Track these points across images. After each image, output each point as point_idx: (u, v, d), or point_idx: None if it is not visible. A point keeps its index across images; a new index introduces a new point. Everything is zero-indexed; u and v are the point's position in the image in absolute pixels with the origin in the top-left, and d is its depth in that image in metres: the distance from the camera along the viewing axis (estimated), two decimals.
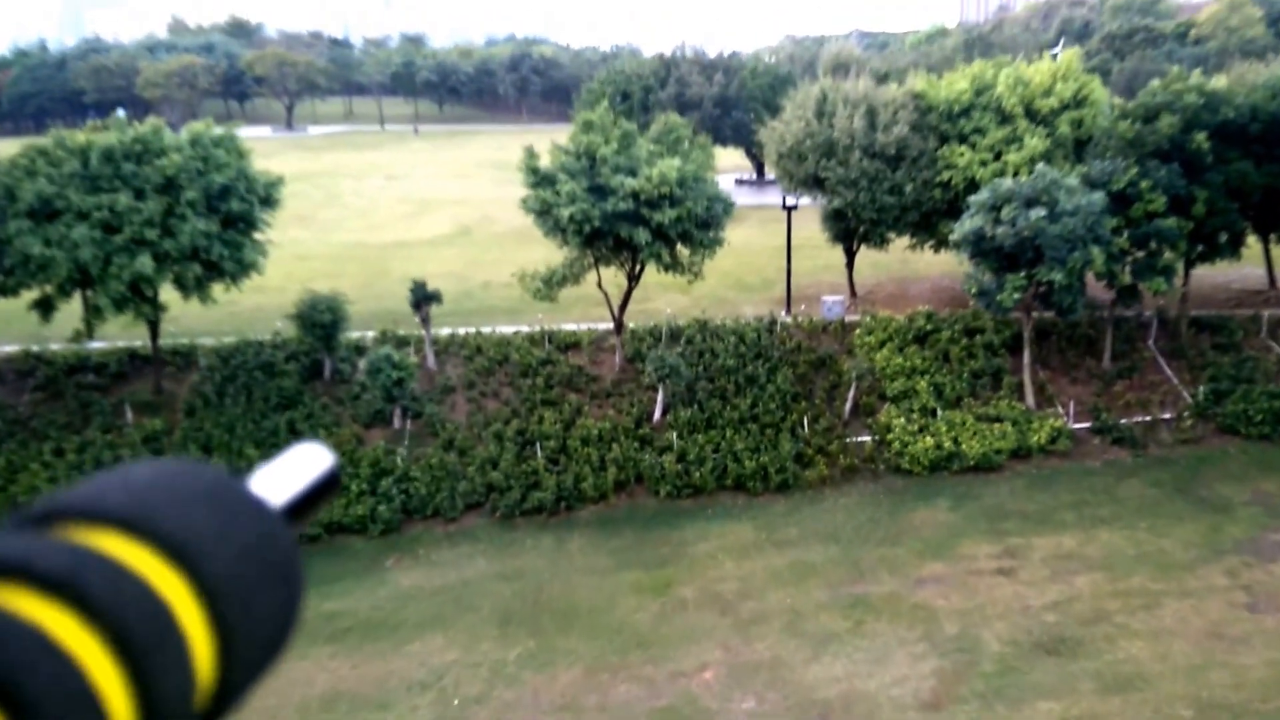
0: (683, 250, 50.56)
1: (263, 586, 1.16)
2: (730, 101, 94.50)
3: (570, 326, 56.46)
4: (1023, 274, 45.51)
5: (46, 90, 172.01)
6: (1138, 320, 53.62)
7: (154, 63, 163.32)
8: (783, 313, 58.66)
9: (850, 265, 61.08)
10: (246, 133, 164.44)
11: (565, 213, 47.06)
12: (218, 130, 52.71)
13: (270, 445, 46.81)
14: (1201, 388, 49.65)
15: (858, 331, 54.56)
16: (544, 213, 48.86)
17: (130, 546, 1.05)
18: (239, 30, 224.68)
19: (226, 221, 49.88)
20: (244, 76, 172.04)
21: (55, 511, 1.06)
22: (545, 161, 50.49)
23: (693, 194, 48.10)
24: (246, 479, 1.26)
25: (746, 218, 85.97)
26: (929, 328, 54.06)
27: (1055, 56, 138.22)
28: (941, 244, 57.12)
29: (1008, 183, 46.86)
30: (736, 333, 55.13)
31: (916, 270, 65.22)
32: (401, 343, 56.00)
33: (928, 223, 56.87)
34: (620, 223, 47.61)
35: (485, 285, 66.43)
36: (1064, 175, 51.29)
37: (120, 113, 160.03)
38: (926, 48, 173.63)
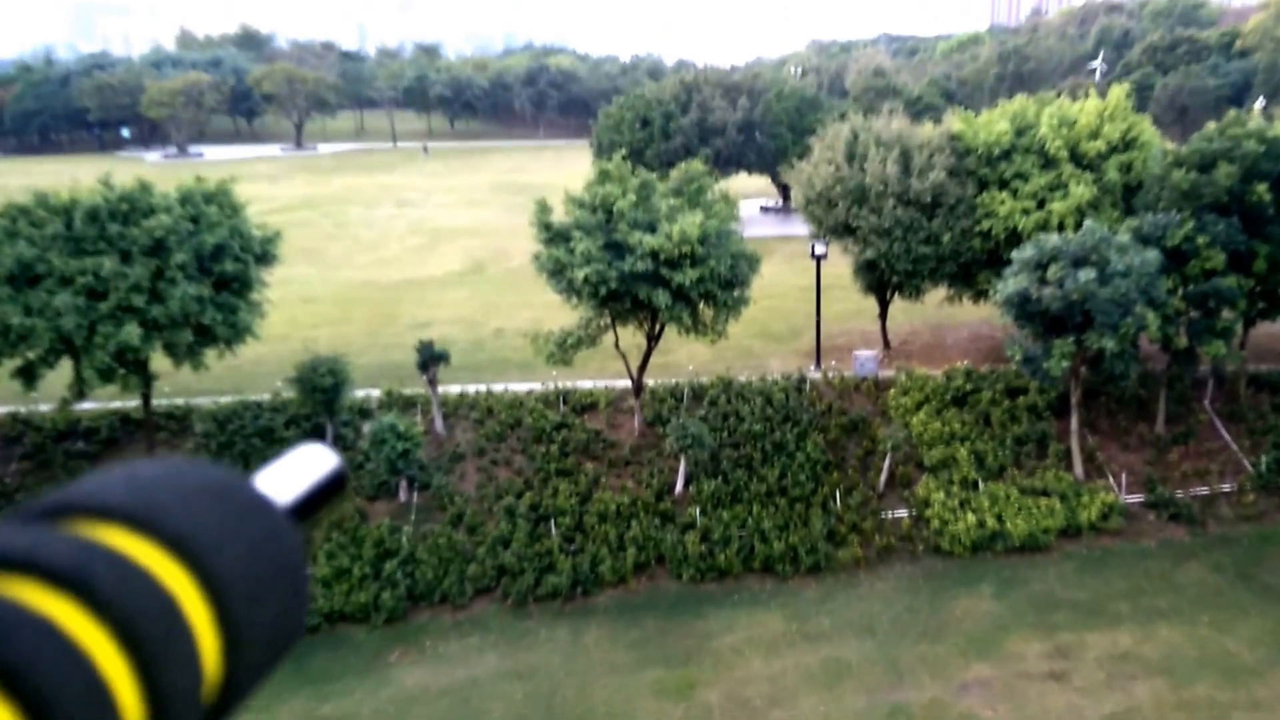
0: (705, 310, 48.44)
1: (268, 584, 1.22)
2: (755, 126, 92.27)
3: (587, 384, 54.50)
4: (1071, 339, 43.28)
5: (50, 108, 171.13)
6: (1192, 378, 51.18)
7: (159, 80, 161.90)
8: (812, 367, 56.57)
9: (883, 315, 58.85)
10: (255, 151, 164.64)
11: (580, 274, 45.08)
12: (210, 184, 50.59)
13: None
14: (1264, 457, 47.25)
15: (892, 392, 52.45)
16: (557, 272, 46.89)
17: (137, 542, 1.10)
18: (249, 42, 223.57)
19: (220, 284, 47.96)
20: (252, 93, 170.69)
21: (63, 507, 1.11)
22: (559, 214, 48.62)
23: (716, 252, 46.09)
24: (252, 478, 1.33)
25: (773, 251, 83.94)
26: (968, 387, 51.91)
27: (1095, 72, 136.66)
28: (981, 295, 54.98)
29: (1054, 239, 44.66)
30: (763, 393, 53.09)
31: (954, 316, 62.77)
32: (408, 404, 54.30)
33: (966, 274, 54.67)
34: (639, 283, 45.66)
35: (498, 333, 64.55)
36: (1114, 226, 49.26)
37: (124, 132, 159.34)
38: (958, 56, 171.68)
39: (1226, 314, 45.96)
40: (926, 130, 55.43)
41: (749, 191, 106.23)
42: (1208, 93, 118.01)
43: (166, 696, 1.02)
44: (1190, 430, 49.47)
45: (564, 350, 48.42)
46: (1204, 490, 46.81)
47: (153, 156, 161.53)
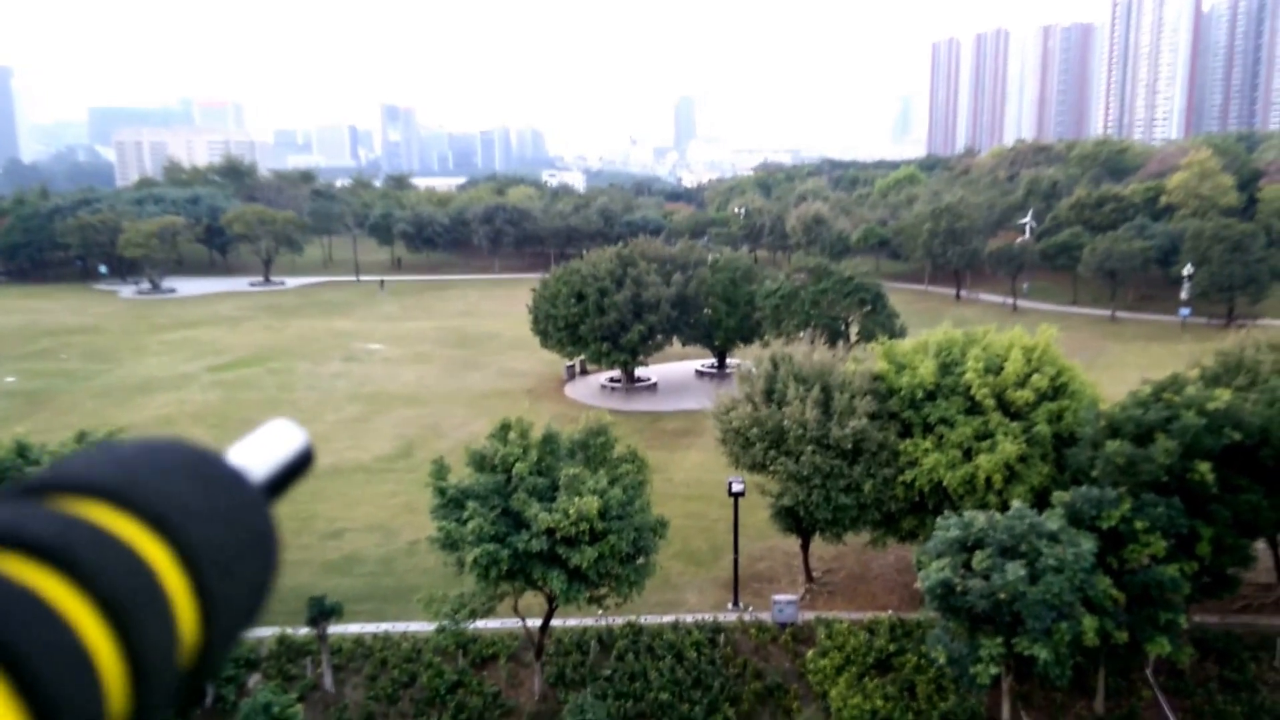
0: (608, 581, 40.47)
1: (241, 554, 1.21)
2: (689, 301, 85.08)
3: (494, 625, 46.23)
4: (1000, 640, 35.56)
5: (37, 241, 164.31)
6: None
7: (139, 220, 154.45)
8: (729, 605, 48.72)
9: (805, 548, 50.98)
10: (225, 285, 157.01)
11: (470, 556, 37.35)
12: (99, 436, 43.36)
13: None
14: None
15: (810, 654, 44.43)
16: (449, 545, 38.98)
17: (117, 517, 1.09)
18: (232, 172, 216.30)
19: None
20: (226, 230, 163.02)
21: (46, 485, 1.11)
22: (460, 470, 41.23)
23: (619, 526, 38.37)
24: (226, 452, 1.33)
25: (704, 429, 75.84)
26: (892, 648, 44.08)
27: (1026, 226, 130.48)
28: (906, 538, 47.46)
29: (980, 519, 37.07)
30: (674, 647, 45.16)
31: None
32: (302, 651, 46.12)
33: (889, 520, 47.05)
34: (533, 562, 37.90)
35: (411, 548, 56.28)
36: (1044, 483, 42.14)
37: (101, 268, 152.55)
38: (895, 197, 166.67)
39: (1171, 597, 38.29)
40: (849, 367, 48.00)
41: (686, 354, 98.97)
42: (1135, 256, 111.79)
43: (146, 663, 1.01)
44: (1133, 711, 41.41)
45: (456, 623, 40.48)
46: None
47: (127, 291, 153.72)
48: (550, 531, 37.51)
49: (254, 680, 44.42)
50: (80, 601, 0.98)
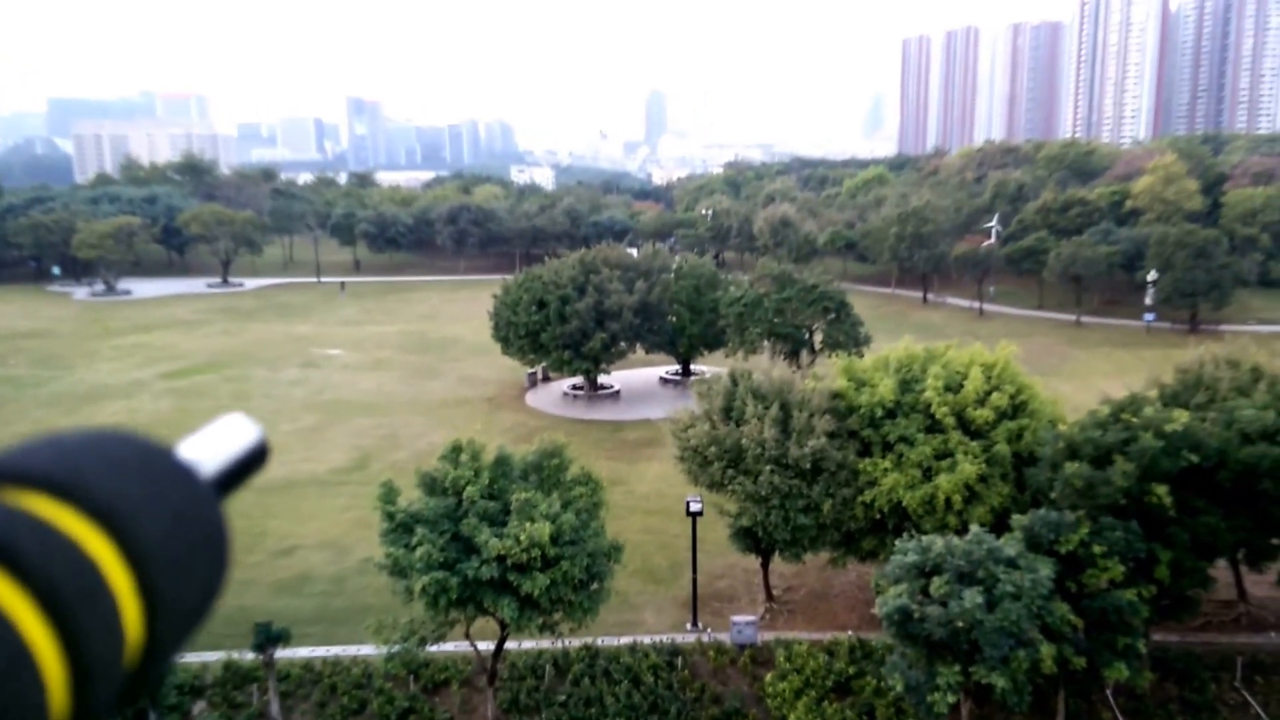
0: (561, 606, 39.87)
1: (190, 551, 1.18)
2: (652, 309, 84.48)
3: (446, 649, 45.51)
4: (957, 668, 35.24)
5: None
6: None
7: (93, 220, 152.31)
8: (688, 626, 48.26)
9: (765, 567, 50.59)
10: (182, 287, 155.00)
11: (418, 585, 36.70)
12: None
13: None
14: None
15: (769, 677, 44.02)
16: (398, 572, 38.29)
17: (60, 510, 1.07)
18: (191, 169, 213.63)
19: None
20: (183, 230, 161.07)
21: None
22: (411, 491, 40.55)
23: (571, 551, 37.80)
24: (175, 447, 1.29)
25: (666, 440, 75.63)
26: (851, 670, 43.74)
27: (992, 230, 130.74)
28: (867, 557, 47.14)
29: (938, 544, 36.72)
30: (631, 670, 44.65)
31: None
32: (249, 678, 45.33)
33: (849, 539, 46.69)
34: (483, 590, 37.30)
35: (363, 565, 55.29)
36: (1004, 504, 41.92)
37: (55, 270, 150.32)
38: (863, 198, 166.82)
39: (1130, 621, 38.03)
40: (809, 384, 47.58)
41: (650, 361, 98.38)
42: (1100, 261, 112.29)
43: (89, 661, 0.98)
44: None
45: (406, 650, 39.90)
46: None
47: (81, 293, 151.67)
48: (501, 558, 36.90)
49: (199, 708, 43.71)
50: (20, 596, 0.95)
